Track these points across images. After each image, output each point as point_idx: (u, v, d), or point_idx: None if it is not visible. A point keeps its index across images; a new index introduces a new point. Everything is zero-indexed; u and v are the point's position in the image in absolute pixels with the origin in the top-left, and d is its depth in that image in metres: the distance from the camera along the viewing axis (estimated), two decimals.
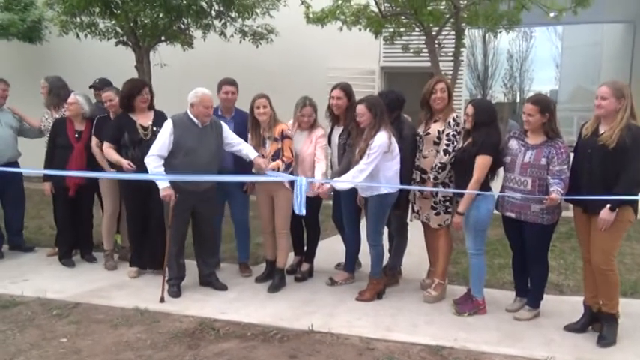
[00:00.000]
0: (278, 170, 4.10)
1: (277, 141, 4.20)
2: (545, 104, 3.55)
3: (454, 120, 3.98)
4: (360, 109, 3.91)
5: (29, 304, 3.92)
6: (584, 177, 3.39)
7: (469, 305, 3.87)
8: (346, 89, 4.33)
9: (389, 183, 3.88)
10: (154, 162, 3.98)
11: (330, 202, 4.66)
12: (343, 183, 3.90)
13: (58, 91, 5.13)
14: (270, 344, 3.37)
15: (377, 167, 3.82)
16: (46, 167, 4.96)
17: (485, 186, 3.72)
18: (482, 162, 3.64)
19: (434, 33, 6.30)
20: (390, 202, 4.00)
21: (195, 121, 4.05)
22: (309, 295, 4.22)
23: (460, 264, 4.90)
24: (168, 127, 4.02)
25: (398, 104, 4.21)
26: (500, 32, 6.58)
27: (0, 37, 8.33)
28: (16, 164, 5.11)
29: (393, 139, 3.86)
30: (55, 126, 4.80)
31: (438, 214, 4.08)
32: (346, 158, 4.18)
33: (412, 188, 4.10)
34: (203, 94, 4.01)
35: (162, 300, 4.00)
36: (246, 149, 4.22)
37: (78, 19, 6.68)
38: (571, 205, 3.61)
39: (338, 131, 4.42)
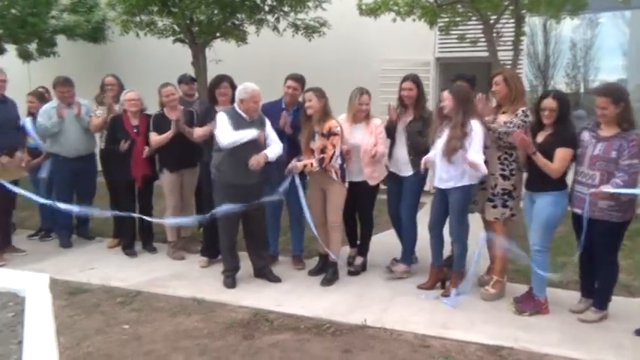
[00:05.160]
0: (310, 168, 4.17)
1: (325, 137, 4.18)
2: (617, 94, 3.34)
3: (523, 112, 3.83)
4: (445, 95, 3.87)
5: (95, 292, 4.12)
6: None
7: (530, 304, 3.71)
8: (416, 80, 4.37)
9: (474, 175, 3.82)
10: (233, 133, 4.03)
11: (384, 197, 4.61)
12: (476, 160, 3.74)
13: (121, 89, 5.36)
14: (324, 338, 3.37)
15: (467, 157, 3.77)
16: (105, 162, 5.20)
17: (561, 182, 3.58)
18: (564, 154, 3.50)
19: (492, 21, 6.07)
20: (473, 194, 3.96)
21: (244, 115, 4.12)
22: (362, 289, 4.18)
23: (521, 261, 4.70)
24: (222, 115, 4.11)
25: (473, 83, 4.27)
26: (564, 19, 6.25)
27: (67, 38, 8.79)
28: (90, 156, 5.36)
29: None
30: (113, 122, 5.00)
31: (494, 206, 3.95)
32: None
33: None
34: (253, 90, 4.08)
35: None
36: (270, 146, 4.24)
37: (138, 19, 6.92)
38: None
39: (404, 121, 4.41)
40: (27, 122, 5.36)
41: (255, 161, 4.04)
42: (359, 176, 4.39)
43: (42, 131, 5.18)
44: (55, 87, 5.23)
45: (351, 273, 4.54)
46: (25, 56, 8.71)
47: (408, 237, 4.48)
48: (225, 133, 4.04)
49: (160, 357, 3.12)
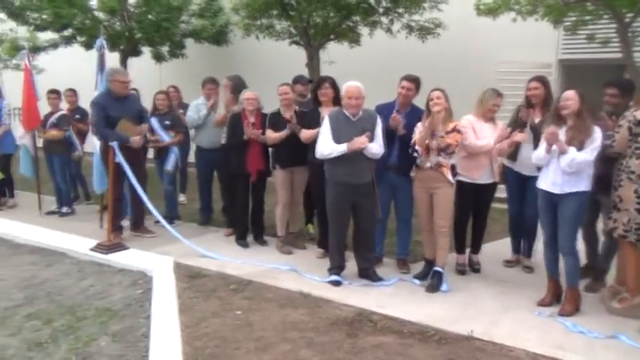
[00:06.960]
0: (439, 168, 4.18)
1: (448, 134, 4.13)
2: None
3: (623, 116, 3.64)
4: (570, 94, 3.67)
5: (212, 277, 4.44)
6: None
7: None
8: (542, 80, 4.47)
9: (588, 182, 3.66)
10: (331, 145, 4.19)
11: (501, 206, 4.49)
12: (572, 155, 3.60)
13: (239, 88, 5.70)
14: (428, 344, 3.33)
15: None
16: (228, 156, 5.55)
17: None
18: None
19: (627, 19, 5.56)
20: (587, 203, 3.76)
21: (347, 113, 4.21)
22: (468, 299, 4.06)
23: None
24: (325, 120, 4.28)
25: (628, 89, 4.08)
26: None
27: (194, 41, 9.53)
28: (216, 150, 5.78)
29: None
30: (233, 119, 5.33)
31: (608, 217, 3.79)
32: None
33: None
34: (347, 87, 4.21)
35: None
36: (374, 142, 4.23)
37: (258, 22, 7.33)
38: None
39: (532, 121, 4.41)
40: (153, 121, 5.92)
41: (355, 143, 4.09)
42: (482, 177, 4.47)
43: (190, 123, 5.92)
44: (204, 86, 5.96)
45: (475, 270, 4.68)
46: (158, 57, 9.61)
47: (531, 234, 4.61)
48: (320, 145, 4.25)
49: (269, 344, 3.28)
